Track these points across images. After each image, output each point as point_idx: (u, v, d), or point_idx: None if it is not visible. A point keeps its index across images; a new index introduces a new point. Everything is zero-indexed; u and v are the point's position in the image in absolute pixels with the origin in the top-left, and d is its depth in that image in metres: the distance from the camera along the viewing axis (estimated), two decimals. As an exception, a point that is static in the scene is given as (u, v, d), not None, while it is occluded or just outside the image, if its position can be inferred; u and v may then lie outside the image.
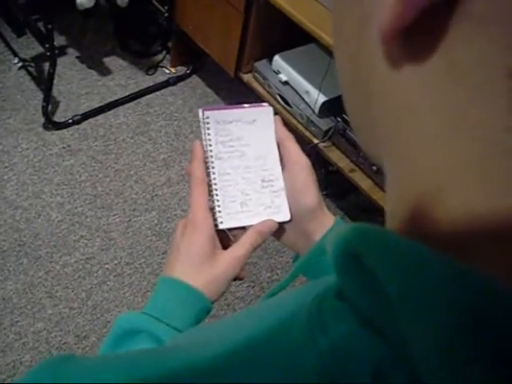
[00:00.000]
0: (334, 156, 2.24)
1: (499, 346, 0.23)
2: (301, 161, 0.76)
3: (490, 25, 0.24)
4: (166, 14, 2.68)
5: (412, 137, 0.29)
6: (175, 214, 2.45)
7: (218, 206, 0.76)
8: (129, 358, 0.33)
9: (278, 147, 0.78)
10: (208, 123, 0.78)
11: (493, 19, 0.23)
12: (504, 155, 0.25)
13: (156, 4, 2.71)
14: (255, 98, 2.40)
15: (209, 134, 0.78)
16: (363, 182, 2.15)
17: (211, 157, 0.77)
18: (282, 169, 0.78)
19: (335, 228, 0.30)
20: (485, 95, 0.25)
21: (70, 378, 0.31)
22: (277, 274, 2.32)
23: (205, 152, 0.77)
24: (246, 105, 0.80)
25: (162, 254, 2.32)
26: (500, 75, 0.24)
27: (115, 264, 2.27)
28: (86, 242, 2.31)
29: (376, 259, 0.26)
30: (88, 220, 2.37)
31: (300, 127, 2.29)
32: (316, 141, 2.25)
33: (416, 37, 0.26)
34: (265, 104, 0.81)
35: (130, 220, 2.41)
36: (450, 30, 0.25)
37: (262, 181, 0.77)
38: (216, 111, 0.79)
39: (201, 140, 0.78)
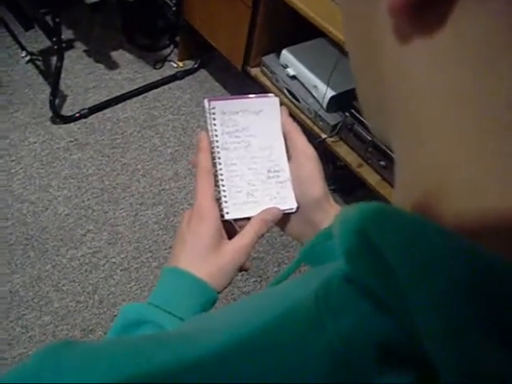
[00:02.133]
0: (342, 151, 2.23)
1: (506, 325, 0.22)
2: (307, 151, 0.75)
3: (493, 1, 0.23)
4: (174, 8, 2.68)
5: (422, 113, 0.29)
6: (182, 208, 2.44)
7: (225, 197, 0.75)
8: (134, 344, 0.32)
9: (284, 138, 0.78)
10: (214, 114, 0.78)
11: None
12: (507, 131, 0.25)
13: (164, -2, 2.71)
14: (263, 93, 2.39)
15: (215, 125, 0.77)
16: (371, 177, 2.15)
17: (217, 147, 0.76)
18: (289, 159, 0.77)
19: (341, 210, 0.30)
20: (490, 71, 0.25)
21: (74, 364, 0.31)
22: (284, 269, 2.31)
23: (211, 142, 0.76)
24: (251, 95, 0.80)
25: (169, 248, 2.31)
26: (503, 52, 0.24)
27: (122, 258, 2.27)
28: (92, 235, 2.31)
29: (383, 236, 0.25)
30: (95, 214, 2.38)
31: (308, 122, 2.29)
32: (324, 136, 2.24)
33: (424, 10, 0.26)
34: (271, 94, 0.81)
35: (136, 214, 2.40)
36: (457, 3, 0.25)
37: (268, 171, 0.77)
38: (222, 101, 0.78)
39: (207, 130, 0.77)
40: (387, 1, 0.26)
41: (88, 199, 2.42)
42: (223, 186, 0.76)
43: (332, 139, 2.25)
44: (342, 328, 0.26)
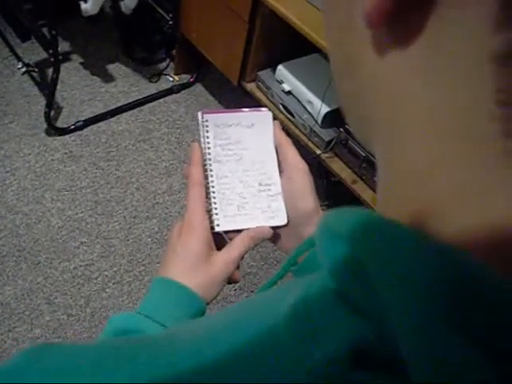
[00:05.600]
0: (336, 167, 2.23)
1: (475, 327, 0.22)
2: (298, 165, 0.76)
3: (473, 8, 0.23)
4: (171, 22, 2.69)
5: (400, 123, 0.29)
6: (176, 222, 2.43)
7: (215, 209, 0.76)
8: (118, 346, 0.32)
9: (277, 151, 0.78)
10: (207, 126, 0.78)
11: (476, 3, 0.23)
12: (488, 143, 0.25)
13: (161, 12, 2.72)
14: (258, 107, 2.40)
15: (207, 137, 0.78)
16: (365, 193, 2.15)
17: (209, 160, 0.77)
18: (280, 173, 0.77)
19: (323, 218, 0.30)
20: (470, 79, 0.25)
21: (58, 363, 0.31)
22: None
23: (203, 155, 0.77)
24: (245, 109, 0.80)
25: (162, 261, 2.30)
26: (484, 58, 0.24)
27: (115, 271, 2.26)
28: (85, 248, 2.30)
29: (354, 238, 0.26)
30: (88, 226, 2.37)
31: (302, 137, 2.29)
32: (318, 151, 2.25)
33: (401, 21, 0.26)
34: (264, 109, 0.81)
35: (130, 227, 2.40)
36: (434, 14, 0.25)
37: (260, 184, 0.77)
38: (215, 114, 0.79)
39: (199, 143, 0.78)
40: (364, 13, 0.26)
41: (81, 212, 2.41)
42: (214, 198, 0.76)
43: (326, 155, 2.25)
44: (305, 303, 0.27)
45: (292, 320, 0.27)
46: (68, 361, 0.31)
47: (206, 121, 0.78)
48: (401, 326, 0.23)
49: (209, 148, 0.77)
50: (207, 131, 0.78)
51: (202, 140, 0.78)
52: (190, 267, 0.71)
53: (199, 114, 0.79)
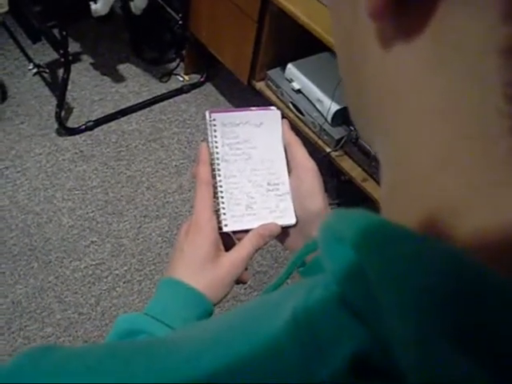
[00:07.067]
0: (347, 165, 2.23)
1: (475, 335, 0.22)
2: (307, 164, 0.75)
3: (477, 0, 0.23)
4: (181, 22, 2.69)
5: (404, 120, 0.28)
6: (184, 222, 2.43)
7: (223, 209, 0.75)
8: (115, 348, 0.32)
9: (285, 151, 0.78)
10: (215, 125, 0.78)
11: None
12: (495, 140, 0.24)
13: (170, 12, 2.72)
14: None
15: (215, 137, 0.77)
16: (375, 192, 2.14)
17: (217, 159, 0.76)
18: (289, 172, 0.77)
19: (325, 220, 0.30)
20: (477, 73, 0.24)
21: (53, 365, 0.31)
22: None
23: (211, 154, 0.76)
24: (253, 108, 0.80)
25: (172, 260, 2.30)
26: (490, 51, 0.23)
27: (125, 270, 2.27)
28: (96, 247, 2.31)
29: (359, 243, 0.25)
30: (99, 226, 2.38)
31: (312, 136, 2.29)
32: (328, 150, 2.24)
33: (404, 13, 0.26)
34: (272, 107, 0.81)
35: (140, 226, 2.40)
36: (437, 6, 0.24)
37: (268, 184, 0.77)
38: (223, 113, 0.79)
39: (207, 142, 0.77)
40: (366, 5, 0.26)
41: (92, 211, 2.42)
42: (222, 197, 0.76)
43: (336, 153, 2.25)
44: (308, 310, 0.26)
45: (294, 326, 0.27)
46: (68, 362, 0.31)
47: (214, 120, 0.78)
48: (397, 336, 0.23)
49: (216, 147, 0.77)
50: (215, 130, 0.78)
51: (209, 139, 0.77)
52: (196, 268, 0.71)
53: (207, 113, 0.78)
